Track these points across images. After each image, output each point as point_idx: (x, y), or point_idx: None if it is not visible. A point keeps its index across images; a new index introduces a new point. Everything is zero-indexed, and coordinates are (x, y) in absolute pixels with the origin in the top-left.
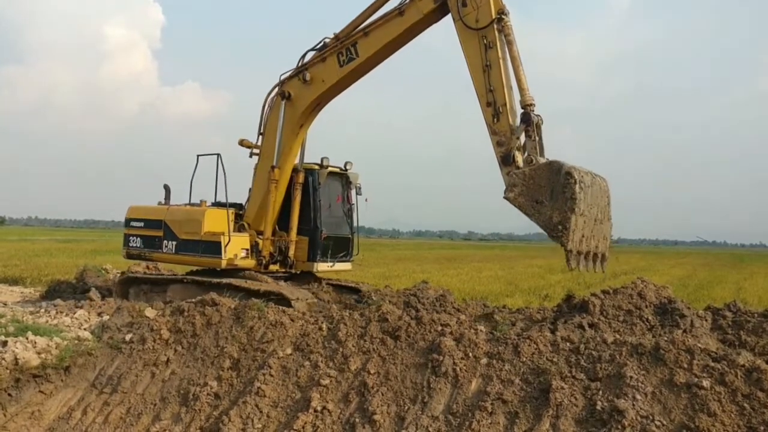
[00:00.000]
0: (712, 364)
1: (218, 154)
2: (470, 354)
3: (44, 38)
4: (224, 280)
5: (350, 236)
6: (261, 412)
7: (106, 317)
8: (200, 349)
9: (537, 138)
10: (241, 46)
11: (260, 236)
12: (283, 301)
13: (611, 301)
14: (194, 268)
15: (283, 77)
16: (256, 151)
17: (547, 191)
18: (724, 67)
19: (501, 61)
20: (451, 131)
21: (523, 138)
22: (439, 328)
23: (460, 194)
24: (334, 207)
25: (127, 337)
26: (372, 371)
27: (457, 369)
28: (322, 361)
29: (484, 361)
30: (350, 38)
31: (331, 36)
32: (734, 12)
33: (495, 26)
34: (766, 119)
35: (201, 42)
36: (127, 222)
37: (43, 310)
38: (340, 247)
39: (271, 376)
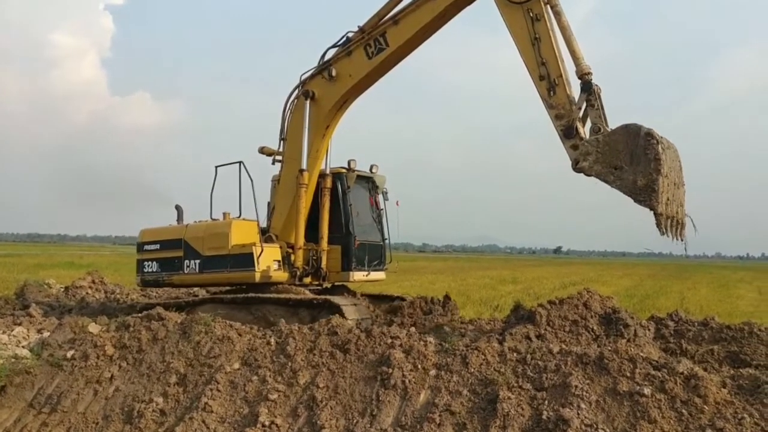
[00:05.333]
0: (653, 372)
1: (240, 162)
2: (419, 366)
3: None
4: (260, 295)
5: (382, 243)
6: (208, 428)
7: (46, 334)
8: (146, 364)
9: (599, 106)
10: (192, 57)
11: (290, 248)
12: (331, 310)
13: (557, 312)
14: (221, 288)
15: (304, 77)
16: (278, 157)
17: (626, 155)
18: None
19: (550, 32)
20: (411, 140)
21: (582, 108)
22: (389, 340)
23: (415, 206)
24: (363, 212)
25: (69, 353)
26: (321, 385)
27: (406, 381)
28: (270, 376)
29: (432, 372)
30: (378, 28)
31: (355, 30)
32: None
33: None
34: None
35: (152, 52)
36: (140, 247)
37: None
38: (374, 255)
39: (219, 391)
